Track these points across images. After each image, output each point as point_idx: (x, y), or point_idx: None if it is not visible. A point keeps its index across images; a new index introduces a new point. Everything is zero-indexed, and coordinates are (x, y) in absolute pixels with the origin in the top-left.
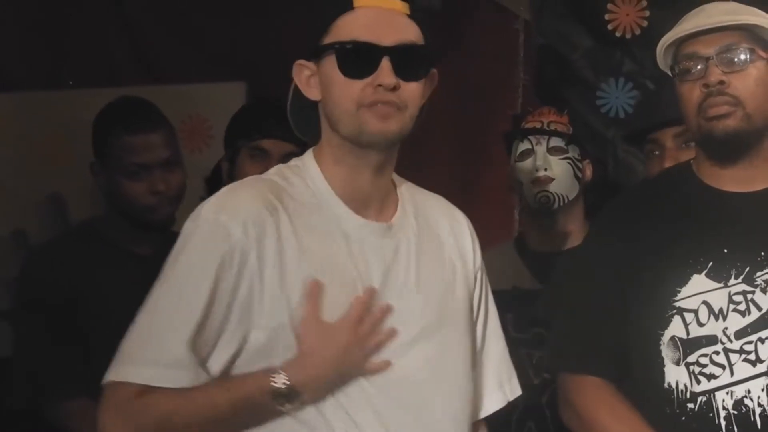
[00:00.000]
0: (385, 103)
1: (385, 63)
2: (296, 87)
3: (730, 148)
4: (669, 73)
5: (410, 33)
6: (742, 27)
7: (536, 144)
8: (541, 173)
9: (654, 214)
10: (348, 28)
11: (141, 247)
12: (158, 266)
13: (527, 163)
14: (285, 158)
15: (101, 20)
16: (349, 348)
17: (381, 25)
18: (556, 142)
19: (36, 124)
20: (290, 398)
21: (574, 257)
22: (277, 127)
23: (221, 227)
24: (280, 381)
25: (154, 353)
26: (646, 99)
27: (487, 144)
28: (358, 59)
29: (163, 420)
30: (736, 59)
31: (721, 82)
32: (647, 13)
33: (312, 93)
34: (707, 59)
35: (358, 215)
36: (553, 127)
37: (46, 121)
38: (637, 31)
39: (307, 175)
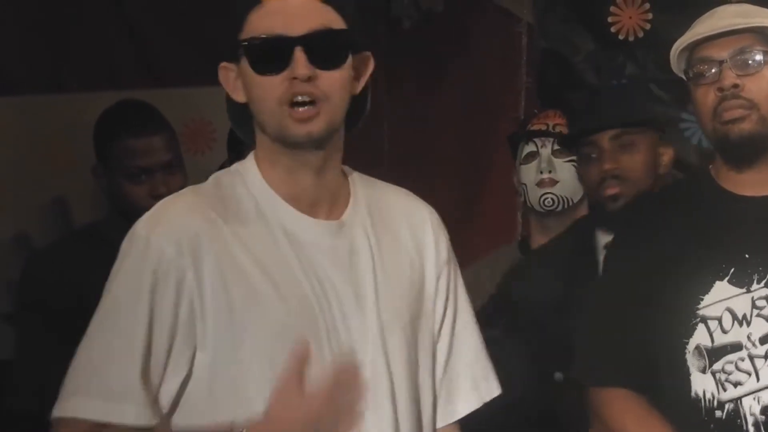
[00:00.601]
0: (304, 103)
1: (299, 53)
2: (228, 92)
3: (747, 152)
4: (683, 77)
5: (324, 18)
6: (755, 29)
7: (541, 146)
8: (546, 175)
9: (673, 222)
10: (258, 23)
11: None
12: None
13: (532, 165)
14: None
15: (102, 23)
16: (320, 418)
17: (290, 14)
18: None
19: (38, 127)
20: None
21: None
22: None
23: (153, 247)
24: None
25: (100, 385)
26: (586, 102)
27: (491, 146)
28: (270, 54)
29: None
30: (750, 62)
31: (736, 86)
32: (650, 16)
33: (238, 95)
34: (721, 63)
35: (306, 215)
36: (558, 129)
37: (48, 124)
38: (640, 34)
39: (247, 180)
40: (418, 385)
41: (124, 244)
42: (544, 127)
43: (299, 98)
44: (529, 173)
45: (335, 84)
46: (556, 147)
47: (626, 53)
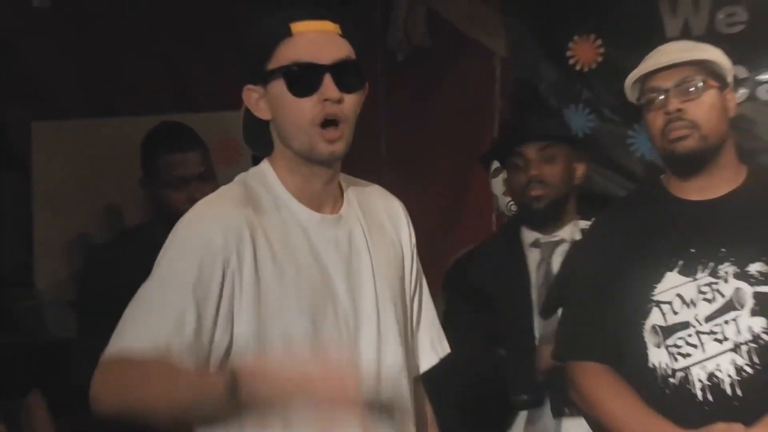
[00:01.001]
0: (332, 122)
1: (328, 79)
2: (247, 108)
3: (691, 164)
4: (636, 104)
5: (345, 50)
6: (695, 62)
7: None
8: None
9: (633, 223)
10: (290, 53)
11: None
12: None
13: (498, 178)
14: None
15: (146, 56)
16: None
17: (318, 46)
18: None
19: (95, 145)
20: (231, 395)
21: (571, 262)
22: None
23: (203, 236)
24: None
25: (150, 332)
26: (515, 116)
27: (471, 161)
28: (304, 79)
29: (133, 395)
30: (691, 89)
31: (679, 110)
32: (602, 50)
33: (262, 113)
34: (667, 91)
35: (314, 211)
36: None
37: (103, 143)
38: (594, 66)
39: (267, 183)
40: (403, 337)
41: (178, 232)
42: None
43: (329, 118)
44: (497, 185)
45: (355, 106)
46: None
47: (582, 82)
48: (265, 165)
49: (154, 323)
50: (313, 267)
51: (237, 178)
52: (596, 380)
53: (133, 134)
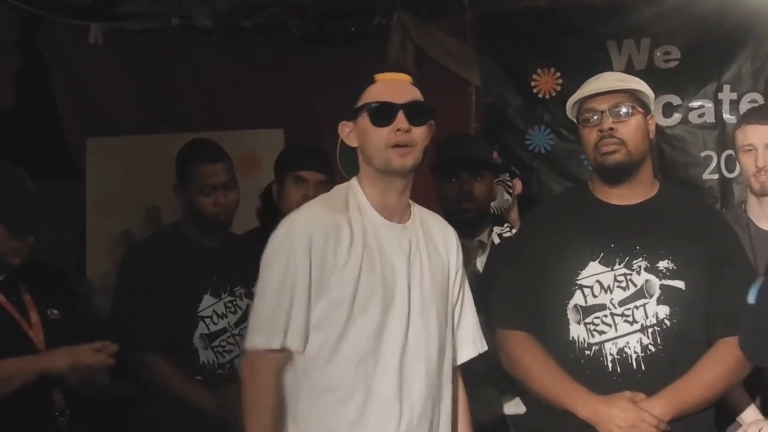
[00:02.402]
0: (403, 145)
1: (400, 114)
2: (341, 140)
3: (616, 175)
4: (575, 121)
5: (415, 94)
6: (627, 91)
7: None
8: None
9: (562, 219)
10: (373, 94)
11: (208, 242)
12: (218, 255)
13: None
14: (317, 185)
15: (182, 85)
16: None
17: (395, 90)
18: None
19: (139, 157)
20: None
21: (508, 247)
22: (313, 162)
23: (307, 234)
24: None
25: (281, 325)
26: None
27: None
28: (382, 113)
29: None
30: (621, 112)
31: (611, 129)
32: (560, 81)
33: (352, 142)
34: (602, 112)
35: (389, 222)
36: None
37: (146, 154)
38: (554, 94)
39: (352, 195)
40: (444, 333)
41: (283, 232)
42: None
43: (400, 143)
44: None
45: (421, 136)
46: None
47: (544, 107)
48: (353, 182)
49: (287, 316)
50: (376, 266)
51: (333, 189)
52: (521, 345)
53: (170, 148)
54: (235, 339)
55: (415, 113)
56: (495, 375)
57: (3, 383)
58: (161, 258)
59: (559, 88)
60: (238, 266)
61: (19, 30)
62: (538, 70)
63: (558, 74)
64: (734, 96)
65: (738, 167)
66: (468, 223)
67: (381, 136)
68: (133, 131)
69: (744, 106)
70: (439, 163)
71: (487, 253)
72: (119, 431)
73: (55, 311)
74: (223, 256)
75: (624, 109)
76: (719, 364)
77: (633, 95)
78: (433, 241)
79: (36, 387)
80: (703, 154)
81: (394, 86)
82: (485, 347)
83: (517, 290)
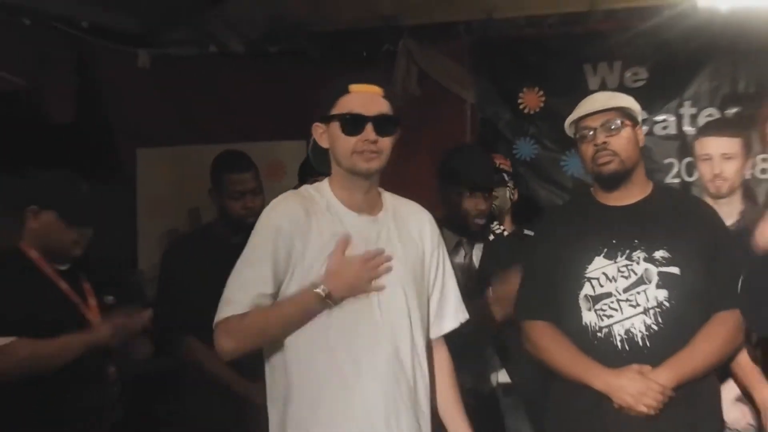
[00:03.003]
0: (370, 151)
1: (369, 126)
2: (314, 140)
3: (613, 181)
4: (573, 137)
5: (384, 107)
6: (617, 108)
7: None
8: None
9: (570, 222)
10: (346, 105)
11: (235, 239)
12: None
13: None
14: None
15: (218, 103)
16: (358, 273)
17: (366, 102)
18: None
19: (182, 165)
20: (326, 300)
21: (526, 250)
22: (329, 169)
23: (276, 222)
24: (321, 289)
25: (245, 295)
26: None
27: None
28: (353, 124)
29: (254, 333)
30: (612, 127)
31: (604, 143)
32: (544, 98)
33: (323, 143)
34: (595, 129)
35: (357, 213)
36: (503, 167)
37: (188, 162)
38: (538, 110)
39: (323, 192)
40: (420, 311)
41: (261, 218)
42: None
43: (366, 151)
44: None
45: (387, 145)
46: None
47: (529, 121)
48: (325, 181)
49: (242, 287)
50: (350, 252)
51: (302, 188)
52: (542, 333)
53: (208, 156)
54: None
55: (382, 125)
56: (475, 347)
57: (58, 356)
58: (195, 253)
59: (542, 105)
60: None
61: (78, 56)
62: (525, 89)
63: (542, 93)
64: (694, 111)
65: (696, 173)
66: (477, 231)
67: (350, 142)
68: (177, 142)
69: (702, 120)
70: (460, 178)
71: (481, 246)
72: (161, 403)
73: (110, 297)
74: None
75: (614, 125)
76: (715, 336)
77: (622, 111)
78: (407, 228)
79: (94, 362)
80: (666, 161)
81: (365, 98)
82: (467, 317)
83: (536, 287)
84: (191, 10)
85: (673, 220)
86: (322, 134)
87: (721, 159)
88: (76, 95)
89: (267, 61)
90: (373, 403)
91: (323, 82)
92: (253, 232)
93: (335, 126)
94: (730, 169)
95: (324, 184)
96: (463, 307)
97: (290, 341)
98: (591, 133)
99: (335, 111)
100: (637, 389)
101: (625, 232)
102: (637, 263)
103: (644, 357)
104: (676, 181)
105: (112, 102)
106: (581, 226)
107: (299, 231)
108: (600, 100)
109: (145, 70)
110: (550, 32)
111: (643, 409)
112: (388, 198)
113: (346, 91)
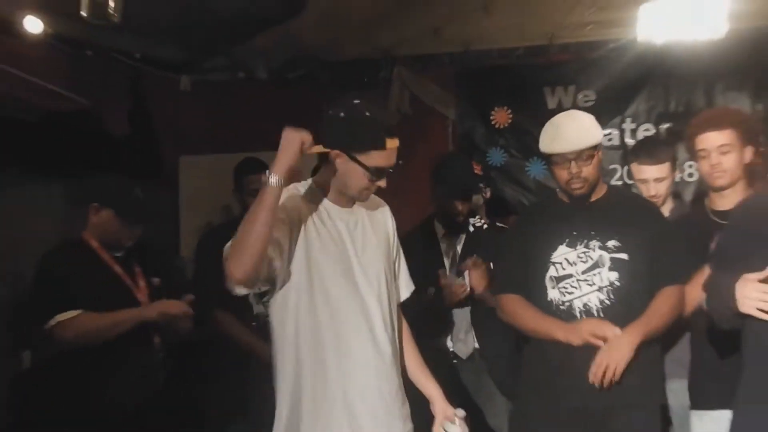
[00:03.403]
0: (373, 189)
1: (386, 176)
2: (320, 156)
3: (582, 198)
4: (545, 156)
5: (396, 158)
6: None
7: None
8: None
9: (539, 217)
10: (378, 159)
11: None
12: None
13: None
14: None
15: (247, 119)
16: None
17: (390, 156)
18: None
19: (216, 169)
20: (270, 178)
21: (504, 240)
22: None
23: (287, 207)
24: (268, 174)
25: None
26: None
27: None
28: (378, 174)
29: (241, 242)
30: (585, 158)
31: (578, 171)
32: (511, 116)
33: (338, 168)
34: (571, 160)
35: (339, 207)
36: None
37: (221, 167)
38: (506, 125)
39: (314, 193)
40: (388, 287)
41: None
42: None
43: (373, 190)
44: None
45: (384, 183)
46: None
47: (499, 134)
48: (310, 182)
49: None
50: (334, 241)
51: (293, 185)
52: (514, 303)
53: (232, 162)
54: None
55: (389, 174)
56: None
57: (113, 328)
58: (224, 241)
59: (510, 121)
60: None
61: (131, 81)
62: (496, 108)
63: (510, 111)
64: (633, 126)
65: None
66: (460, 224)
67: (362, 182)
68: (212, 151)
69: (640, 133)
70: (448, 183)
71: (463, 237)
72: (197, 366)
73: (156, 279)
74: None
75: (586, 157)
76: (665, 304)
77: (592, 146)
78: (375, 216)
79: (141, 333)
80: (611, 166)
81: (391, 153)
82: (413, 288)
83: (510, 269)
84: (224, 43)
85: (623, 215)
86: (341, 163)
87: (654, 183)
88: (129, 113)
89: (286, 86)
90: (365, 363)
91: (331, 103)
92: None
93: (360, 168)
94: (662, 189)
95: (311, 185)
96: (410, 280)
97: (295, 322)
98: (566, 160)
99: (371, 162)
100: (592, 324)
101: (583, 225)
102: (593, 250)
103: None
104: (619, 182)
105: (159, 119)
106: (548, 221)
107: (299, 222)
108: (574, 139)
109: (187, 92)
110: (516, 62)
111: (608, 333)
112: None
113: (383, 147)
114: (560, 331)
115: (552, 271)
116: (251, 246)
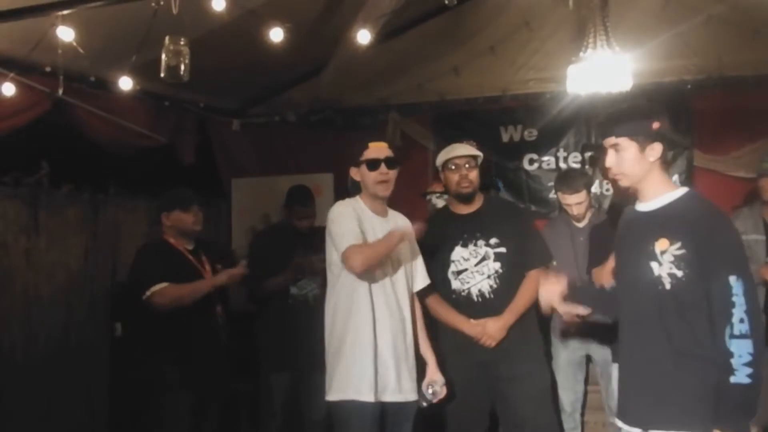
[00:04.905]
0: (384, 182)
1: (383, 165)
2: (351, 177)
3: (467, 198)
4: (438, 168)
5: (389, 153)
6: (472, 155)
7: (434, 196)
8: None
9: (436, 227)
10: (368, 155)
11: (295, 236)
12: (308, 236)
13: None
14: None
15: (282, 151)
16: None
17: (379, 152)
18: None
19: (262, 188)
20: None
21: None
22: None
23: (345, 207)
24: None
25: (349, 239)
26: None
27: (416, 199)
28: (373, 164)
29: (371, 254)
30: (471, 165)
31: (467, 174)
32: (475, 146)
33: (357, 177)
34: (463, 165)
35: (377, 215)
36: (438, 189)
37: (267, 187)
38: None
39: (358, 205)
40: (410, 280)
41: (335, 210)
42: (433, 190)
43: (382, 180)
44: (428, 205)
45: (394, 174)
46: (437, 196)
47: None
48: (357, 196)
49: (349, 234)
50: (375, 235)
51: (347, 199)
52: (434, 301)
53: (275, 183)
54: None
55: (389, 163)
56: None
57: (193, 293)
58: (270, 240)
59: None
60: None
61: (197, 123)
62: (463, 140)
63: (474, 143)
64: (565, 154)
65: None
66: None
67: (373, 176)
68: (256, 174)
69: (571, 159)
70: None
71: None
72: (249, 328)
73: (218, 265)
74: (310, 239)
75: (473, 164)
76: (529, 287)
77: (474, 157)
78: (398, 224)
79: (207, 303)
80: (549, 184)
81: (378, 149)
82: (429, 280)
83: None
84: (264, 96)
85: (500, 218)
86: (356, 173)
87: (576, 206)
88: (196, 147)
89: (310, 127)
90: (391, 326)
91: (344, 139)
92: (335, 219)
93: (363, 167)
94: (581, 210)
95: (358, 198)
96: (427, 275)
97: (346, 294)
98: (458, 167)
99: (363, 159)
100: (478, 333)
101: (471, 229)
102: (481, 248)
103: (491, 303)
104: (554, 196)
105: (217, 151)
106: (445, 229)
107: (355, 213)
108: (461, 149)
109: (237, 131)
110: (478, 108)
111: (488, 341)
112: (389, 209)
113: (367, 147)
114: (465, 327)
115: (452, 267)
116: (374, 259)
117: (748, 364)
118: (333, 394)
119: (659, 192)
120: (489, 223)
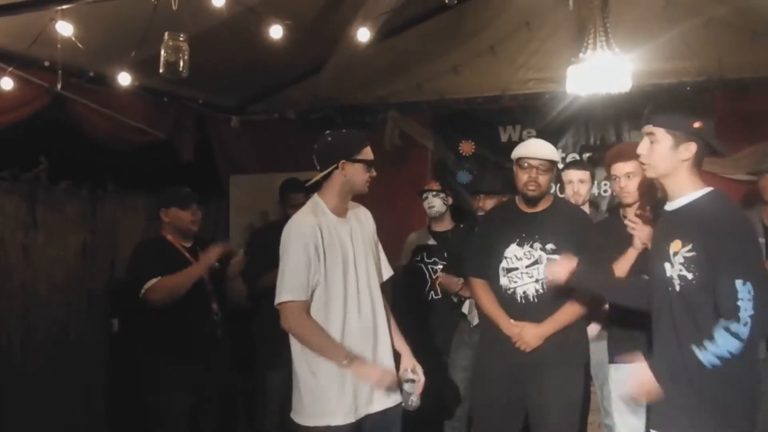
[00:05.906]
0: (371, 181)
1: (374, 167)
2: (330, 171)
3: (532, 201)
4: (516, 163)
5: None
6: (548, 159)
7: (431, 195)
8: (429, 202)
9: (499, 220)
10: (367, 155)
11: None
12: None
13: (426, 201)
14: None
15: (281, 149)
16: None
17: (371, 153)
18: (438, 193)
19: (259, 185)
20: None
21: (473, 237)
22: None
23: (302, 229)
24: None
25: (292, 285)
26: (476, 179)
27: (413, 195)
28: (368, 165)
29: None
30: (544, 169)
31: (537, 178)
32: (474, 147)
33: (343, 174)
34: (534, 167)
35: (336, 216)
36: (434, 187)
37: (265, 184)
38: (470, 154)
39: (320, 206)
40: (376, 270)
41: (289, 228)
42: (429, 188)
43: (370, 180)
44: (424, 203)
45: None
46: (434, 194)
47: (465, 160)
48: (317, 197)
49: (296, 278)
50: (338, 247)
51: (308, 202)
52: (479, 287)
53: (273, 180)
54: None
55: (376, 166)
56: None
57: (186, 280)
58: (268, 237)
59: (473, 151)
60: None
61: (196, 120)
62: (463, 141)
63: (473, 143)
64: (564, 155)
65: (563, 191)
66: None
67: (366, 176)
68: (254, 172)
69: (569, 160)
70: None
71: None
72: (247, 327)
73: (216, 264)
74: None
75: (544, 168)
76: (578, 302)
77: (553, 162)
78: (360, 220)
79: (203, 300)
80: None
81: (370, 151)
82: (391, 273)
83: (478, 259)
84: (264, 93)
85: (560, 223)
86: (347, 168)
87: (578, 183)
88: (194, 144)
89: (309, 124)
90: (355, 327)
91: (318, 141)
92: (287, 238)
93: (359, 165)
94: (583, 190)
95: (318, 199)
96: (389, 266)
97: (321, 295)
98: (529, 167)
99: (361, 157)
100: (515, 334)
101: (530, 229)
102: (536, 250)
103: (533, 308)
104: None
105: (215, 148)
106: (505, 224)
107: (319, 238)
108: (542, 149)
109: (236, 128)
110: (478, 107)
111: (523, 346)
112: (351, 202)
113: (366, 146)
114: (504, 325)
115: (504, 264)
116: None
117: (719, 357)
118: (304, 418)
119: (684, 191)
120: (550, 227)
